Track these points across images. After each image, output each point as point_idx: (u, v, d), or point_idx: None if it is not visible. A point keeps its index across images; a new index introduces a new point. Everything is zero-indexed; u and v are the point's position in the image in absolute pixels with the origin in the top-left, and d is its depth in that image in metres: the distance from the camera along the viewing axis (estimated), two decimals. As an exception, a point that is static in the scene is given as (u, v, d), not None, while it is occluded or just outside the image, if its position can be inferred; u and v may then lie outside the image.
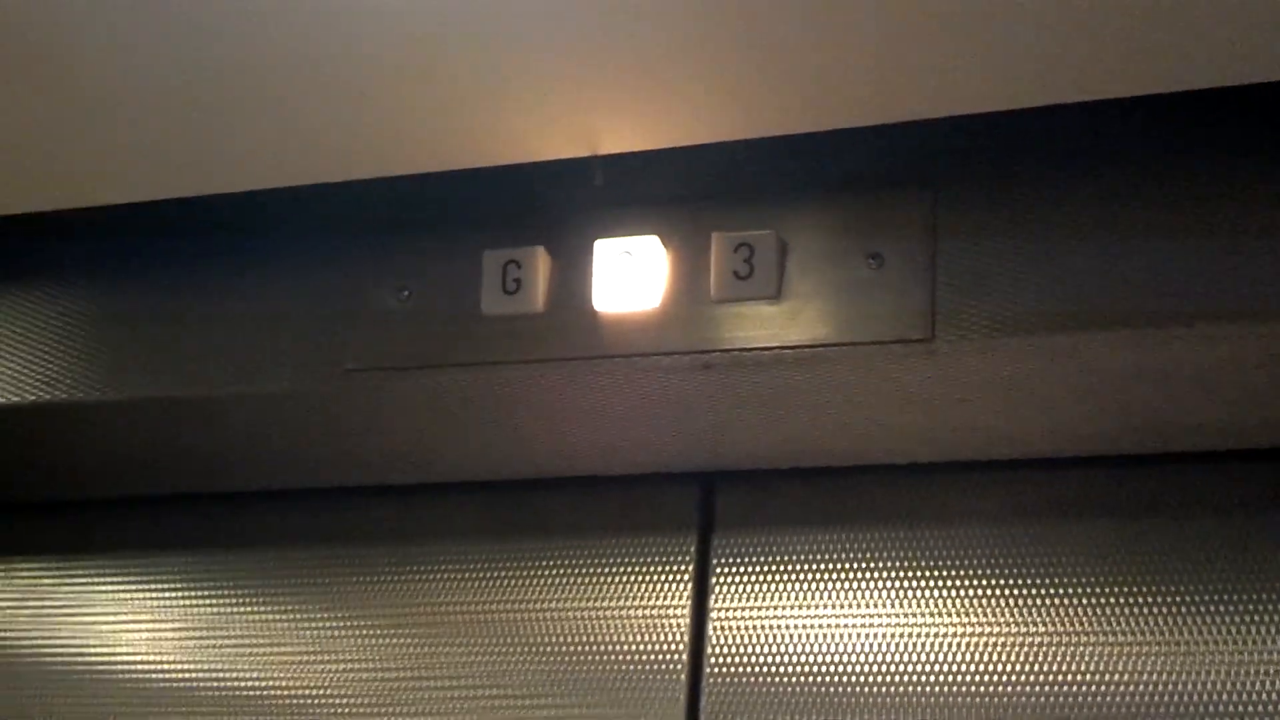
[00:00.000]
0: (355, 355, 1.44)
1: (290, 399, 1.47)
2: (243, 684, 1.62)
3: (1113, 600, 1.40)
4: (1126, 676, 1.37)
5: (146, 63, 1.28)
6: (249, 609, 1.65)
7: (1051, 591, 1.42)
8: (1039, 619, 1.41)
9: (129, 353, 1.50)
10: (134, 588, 1.70)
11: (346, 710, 1.57)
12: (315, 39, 1.24)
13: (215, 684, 1.63)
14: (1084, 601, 1.41)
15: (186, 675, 1.64)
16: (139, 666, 1.66)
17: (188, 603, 1.67)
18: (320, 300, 1.47)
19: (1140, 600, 1.39)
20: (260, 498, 1.67)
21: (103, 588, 1.71)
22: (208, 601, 1.67)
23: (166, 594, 1.69)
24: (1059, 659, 1.40)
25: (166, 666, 1.65)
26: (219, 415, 1.51)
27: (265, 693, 1.61)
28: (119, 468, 1.65)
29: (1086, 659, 1.39)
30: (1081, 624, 1.40)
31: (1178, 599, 1.38)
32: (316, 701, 1.58)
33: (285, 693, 1.60)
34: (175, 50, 1.26)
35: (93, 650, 1.68)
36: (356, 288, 1.46)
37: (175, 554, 1.69)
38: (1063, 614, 1.41)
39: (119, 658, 1.67)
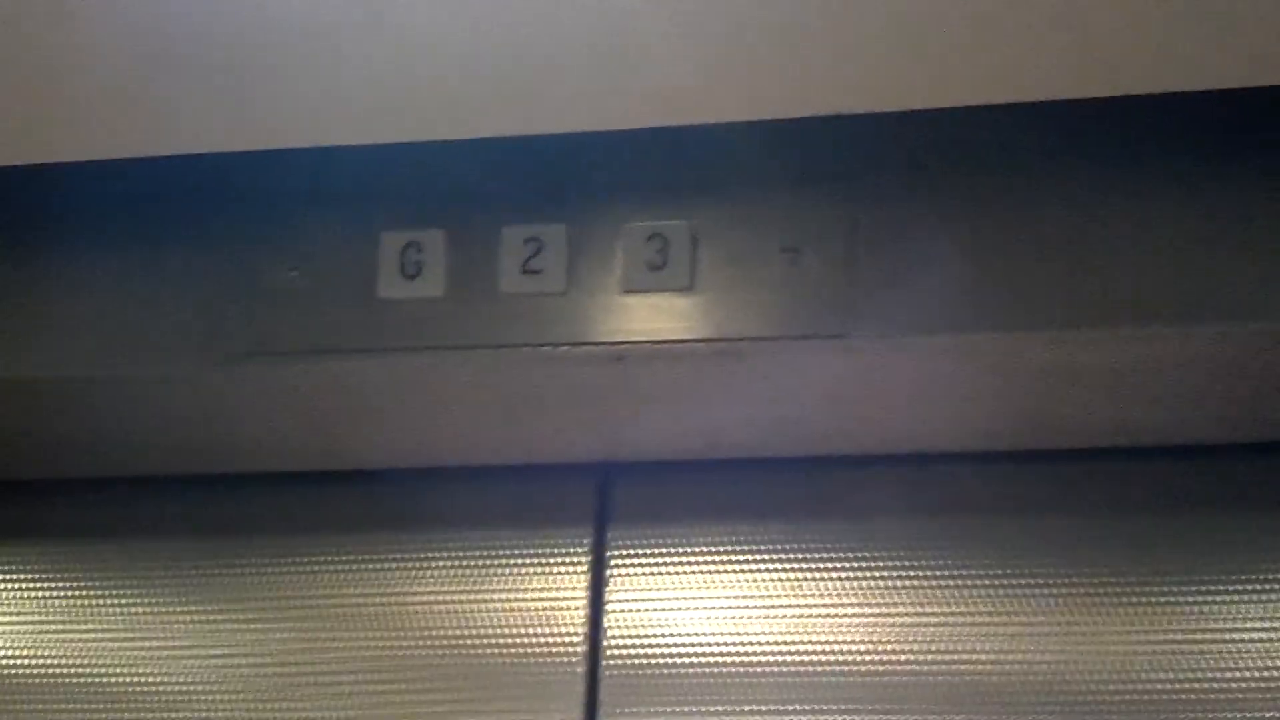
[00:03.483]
0: (239, 338, 1.37)
1: (167, 382, 1.39)
2: (106, 678, 1.53)
3: (1011, 588, 1.42)
4: (1022, 660, 1.39)
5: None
6: (113, 600, 1.56)
7: (948, 581, 1.43)
8: (935, 608, 1.43)
9: (-11, 329, 1.41)
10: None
11: (220, 704, 1.50)
12: None
13: (76, 678, 1.54)
14: (979, 590, 1.42)
15: (45, 669, 1.55)
16: (-7, 660, 1.57)
17: (47, 593, 1.58)
18: (202, 277, 1.38)
19: (1038, 588, 1.41)
20: (130, 484, 1.57)
21: (-47, 577, 1.61)
22: (68, 592, 1.57)
23: (24, 584, 1.59)
24: (956, 643, 1.41)
25: (24, 660, 1.56)
26: (87, 398, 1.42)
27: (131, 687, 1.53)
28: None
29: (983, 643, 1.41)
30: (980, 611, 1.42)
31: (1074, 588, 1.41)
32: (187, 696, 1.51)
33: (153, 687, 1.52)
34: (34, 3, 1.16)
35: (-60, 642, 1.59)
36: (242, 265, 1.38)
37: (32, 542, 1.60)
38: (958, 602, 1.42)
39: (-32, 650, 1.58)
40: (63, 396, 1.42)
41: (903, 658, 1.42)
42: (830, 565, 1.45)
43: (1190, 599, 1.38)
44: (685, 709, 1.43)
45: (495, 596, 1.50)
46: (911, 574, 1.44)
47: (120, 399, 1.42)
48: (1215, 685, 1.35)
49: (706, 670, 1.44)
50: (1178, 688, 1.36)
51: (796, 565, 1.46)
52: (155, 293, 1.39)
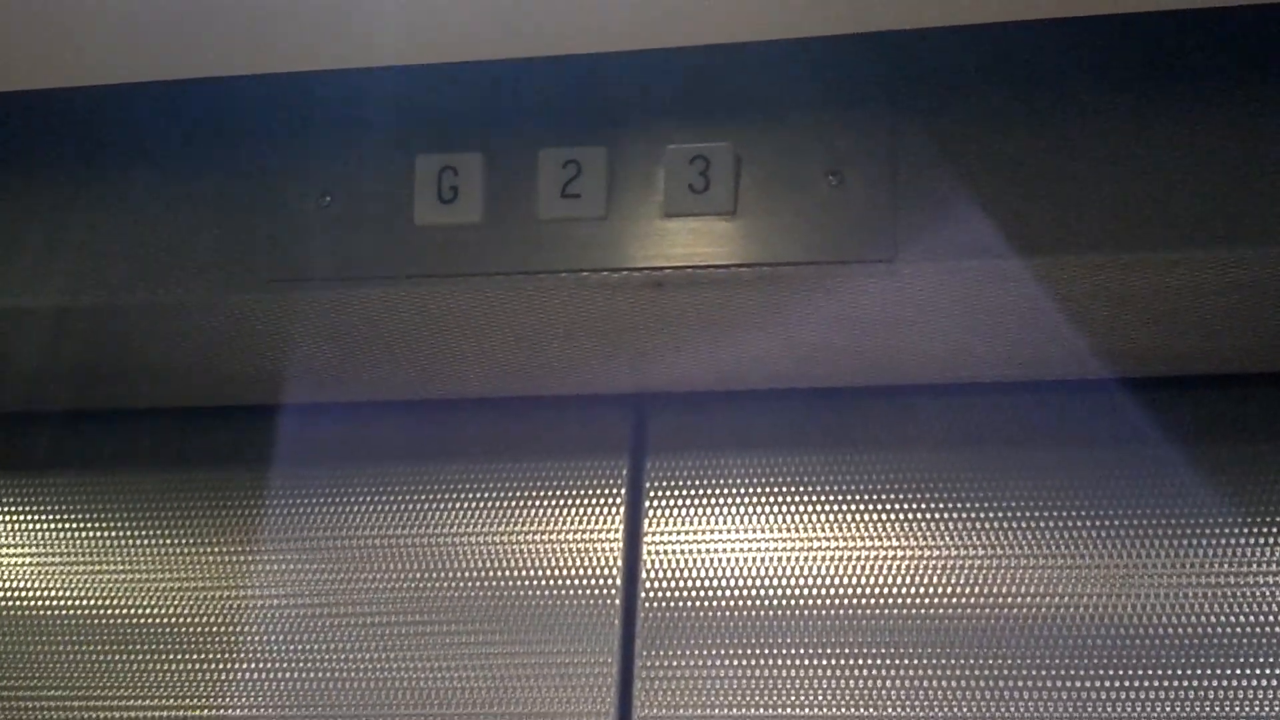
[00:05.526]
0: (270, 265, 1.34)
1: (200, 310, 1.36)
2: (135, 614, 1.52)
3: (1053, 523, 1.40)
4: (1066, 598, 1.38)
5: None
6: (143, 534, 1.55)
7: (991, 515, 1.41)
8: (978, 542, 1.41)
9: (18, 256, 1.37)
10: (17, 509, 1.58)
11: (248, 641, 1.49)
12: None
13: (106, 614, 1.52)
14: (1024, 525, 1.41)
15: (74, 604, 1.53)
16: (21, 594, 1.55)
17: (76, 526, 1.56)
18: (232, 203, 1.36)
19: (1080, 523, 1.39)
20: (161, 415, 1.56)
21: (-18, 510, 1.59)
22: (99, 525, 1.56)
23: (54, 517, 1.57)
24: (998, 581, 1.39)
25: (52, 594, 1.54)
26: (118, 326, 1.40)
27: (161, 623, 1.51)
28: (2, 381, 1.52)
29: (1026, 581, 1.39)
30: (1021, 547, 1.40)
31: (1117, 522, 1.39)
32: (220, 633, 1.50)
33: (184, 624, 1.51)
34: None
35: (-31, 577, 1.57)
36: (273, 191, 1.35)
37: (63, 474, 1.58)
38: (1002, 537, 1.40)
39: (-2, 585, 1.57)
40: (88, 325, 1.40)
41: (946, 594, 1.39)
42: (872, 498, 1.43)
43: (1242, 532, 1.36)
44: (723, 645, 1.42)
45: (530, 530, 1.48)
46: (956, 508, 1.42)
47: (147, 327, 1.39)
48: (1269, 621, 1.33)
49: (745, 606, 1.43)
50: (1229, 624, 1.34)
51: (838, 498, 1.44)
52: (184, 219, 1.36)
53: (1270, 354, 1.35)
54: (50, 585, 1.55)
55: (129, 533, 1.55)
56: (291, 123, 1.36)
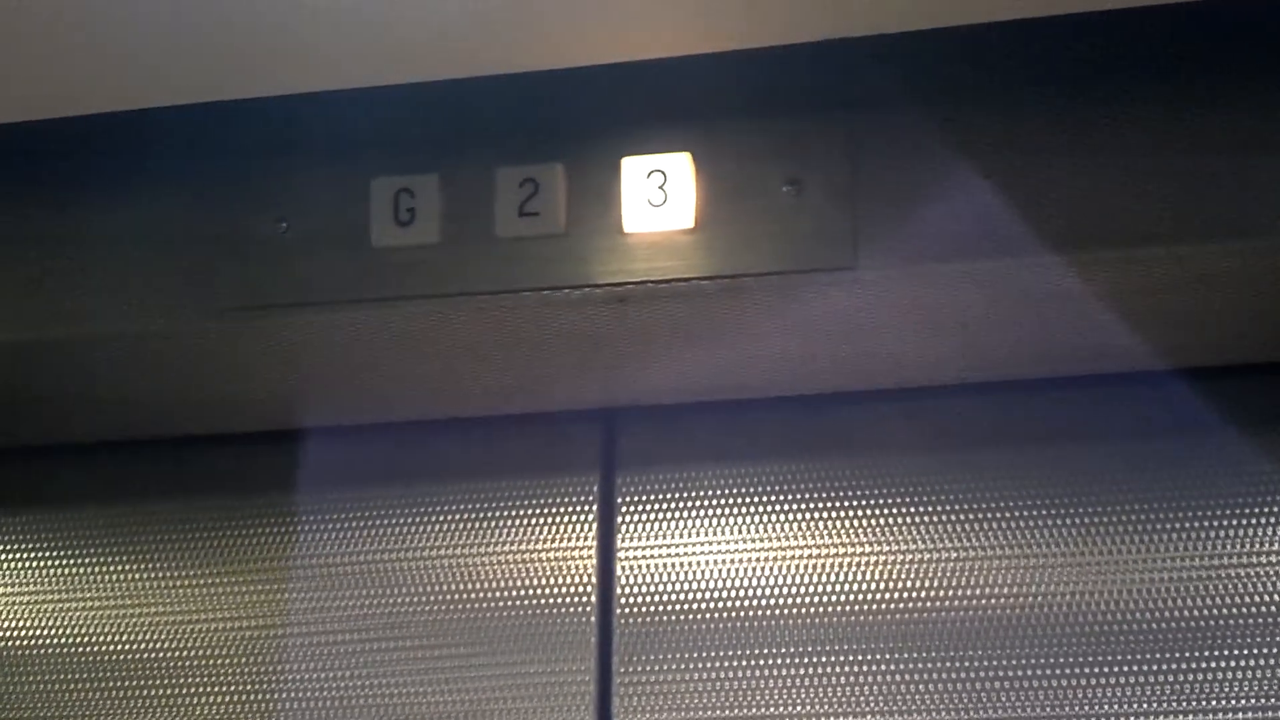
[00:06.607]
0: (229, 292, 1.33)
1: (157, 340, 1.36)
2: (108, 647, 1.51)
3: (1023, 521, 1.40)
4: (1038, 594, 1.38)
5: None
6: (112, 567, 1.54)
7: (962, 515, 1.41)
8: (949, 542, 1.41)
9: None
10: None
11: (224, 670, 1.48)
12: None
13: (78, 649, 1.51)
14: (994, 523, 1.41)
15: (44, 640, 1.52)
16: (-7, 632, 1.55)
17: (44, 562, 1.55)
18: (189, 231, 1.35)
19: (1049, 520, 1.40)
20: (124, 447, 1.55)
21: (-54, 549, 1.58)
22: (66, 560, 1.55)
23: (19, 552, 1.56)
24: (970, 580, 1.40)
25: (20, 630, 1.53)
26: (75, 359, 1.39)
27: (134, 656, 1.50)
28: (-38, 418, 1.51)
29: (998, 579, 1.39)
30: (992, 546, 1.40)
31: (1086, 518, 1.39)
32: (195, 662, 1.49)
33: (155, 655, 1.50)
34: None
35: (-64, 616, 1.56)
36: (229, 218, 1.34)
37: (28, 509, 1.57)
38: (973, 536, 1.41)
39: (-34, 623, 1.55)
40: (51, 358, 1.39)
41: (919, 596, 1.39)
42: (843, 504, 1.43)
43: (1209, 524, 1.36)
44: (700, 655, 1.41)
45: (502, 548, 1.48)
46: (925, 510, 1.42)
47: (111, 358, 1.38)
48: (1238, 610, 1.33)
49: (720, 615, 1.42)
50: (1200, 615, 1.34)
51: (809, 505, 1.44)
52: (139, 248, 1.35)
53: (1231, 348, 1.36)
54: (23, 621, 1.54)
55: (97, 566, 1.54)
56: (245, 149, 1.35)
